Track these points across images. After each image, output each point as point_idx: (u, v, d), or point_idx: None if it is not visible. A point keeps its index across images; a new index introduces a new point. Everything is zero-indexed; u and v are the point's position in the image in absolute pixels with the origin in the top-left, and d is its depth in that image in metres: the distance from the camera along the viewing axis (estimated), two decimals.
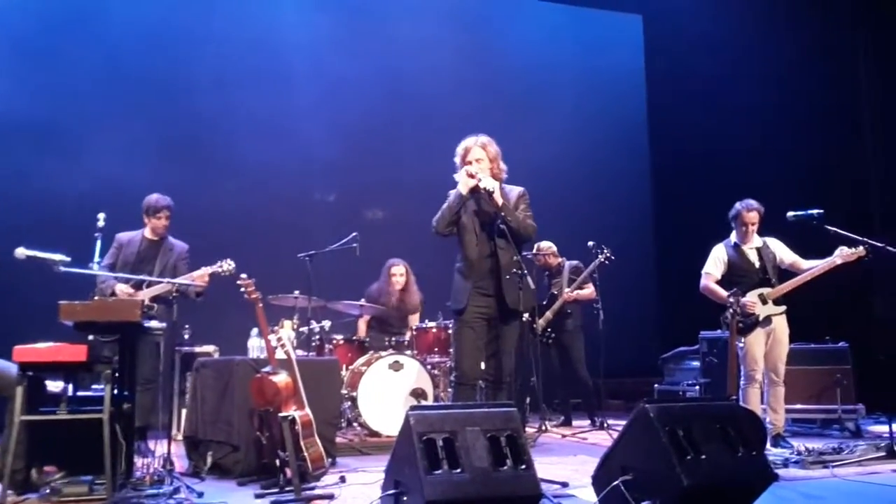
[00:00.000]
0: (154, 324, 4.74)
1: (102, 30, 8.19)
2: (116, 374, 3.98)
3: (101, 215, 4.79)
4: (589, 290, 7.19)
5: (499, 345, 4.45)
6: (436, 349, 6.66)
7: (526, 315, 4.60)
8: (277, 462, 4.19)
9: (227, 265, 5.27)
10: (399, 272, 7.17)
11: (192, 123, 8.34)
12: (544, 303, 7.23)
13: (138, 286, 5.32)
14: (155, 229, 5.60)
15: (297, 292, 6.32)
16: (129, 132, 7.96)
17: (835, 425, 6.53)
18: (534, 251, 7.28)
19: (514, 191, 4.56)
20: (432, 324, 6.74)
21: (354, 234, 6.54)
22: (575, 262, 7.36)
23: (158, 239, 5.63)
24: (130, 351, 4.31)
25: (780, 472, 4.43)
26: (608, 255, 6.91)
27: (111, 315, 4.02)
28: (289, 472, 4.03)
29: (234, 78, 8.64)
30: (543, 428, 6.72)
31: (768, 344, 5.57)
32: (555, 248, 7.46)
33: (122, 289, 5.30)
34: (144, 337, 4.80)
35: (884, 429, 5.46)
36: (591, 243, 6.96)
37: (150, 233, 5.62)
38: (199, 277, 5.17)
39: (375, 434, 6.03)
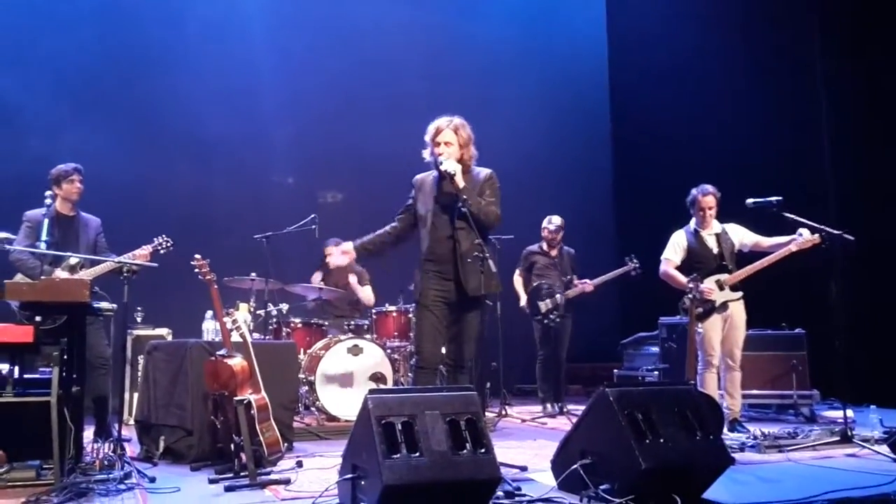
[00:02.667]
0: (104, 304, 4.58)
1: (55, 5, 7.92)
2: (65, 357, 3.86)
3: (49, 193, 4.63)
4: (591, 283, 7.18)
5: (459, 329, 4.39)
6: (396, 333, 6.61)
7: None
8: (232, 447, 4.10)
9: (166, 241, 5.12)
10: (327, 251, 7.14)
11: (146, 101, 8.15)
12: (555, 284, 7.10)
13: (71, 267, 5.05)
14: (69, 196, 5.14)
15: (253, 274, 6.21)
16: (79, 109, 7.73)
17: (790, 410, 6.64)
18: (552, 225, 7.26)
19: (482, 174, 4.45)
20: (392, 308, 6.69)
21: (313, 215, 6.45)
22: (573, 251, 7.38)
23: (71, 214, 5.21)
24: (79, 332, 4.17)
25: (737, 455, 4.49)
26: (636, 266, 7.06)
27: (59, 295, 3.89)
28: (244, 456, 3.94)
29: (192, 56, 8.45)
30: (503, 412, 6.72)
31: (725, 329, 5.62)
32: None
33: (59, 274, 4.99)
34: (91, 319, 4.62)
35: (838, 414, 5.56)
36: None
37: (63, 204, 5.14)
38: (141, 256, 4.97)
39: (334, 418, 5.97)
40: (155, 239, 5.13)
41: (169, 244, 5.12)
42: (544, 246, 7.31)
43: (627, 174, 10.37)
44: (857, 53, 7.64)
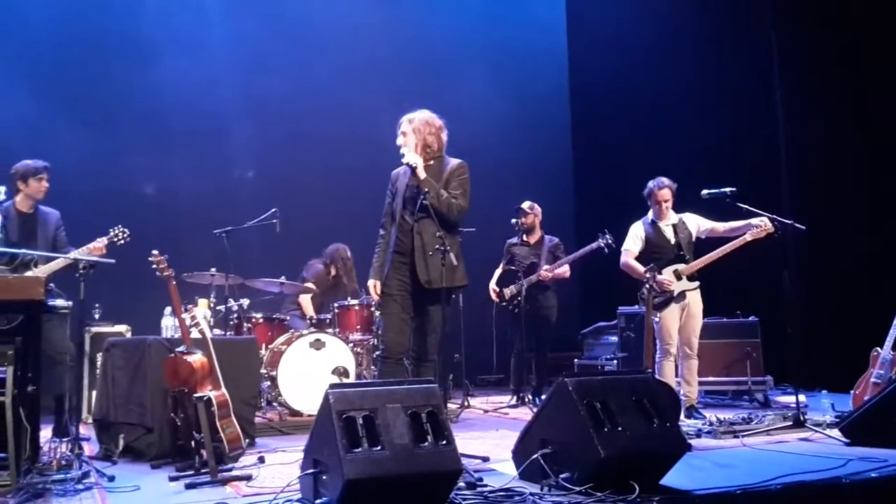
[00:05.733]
0: (60, 302, 4.51)
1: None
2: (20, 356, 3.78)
3: (2, 188, 4.53)
4: (565, 269, 6.98)
5: (422, 322, 4.41)
6: (358, 327, 6.60)
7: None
8: (193, 444, 4.07)
9: (121, 231, 5.03)
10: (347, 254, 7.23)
11: (104, 93, 8.03)
12: (520, 271, 6.93)
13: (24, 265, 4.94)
14: (34, 195, 5.07)
15: (213, 269, 6.14)
16: (37, 100, 7.57)
17: (745, 396, 6.78)
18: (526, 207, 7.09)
19: (451, 164, 4.46)
20: (354, 302, 6.67)
21: (274, 209, 6.40)
22: (556, 240, 7.20)
23: (31, 211, 5.12)
24: (35, 331, 4.10)
25: (693, 442, 4.58)
26: (609, 242, 6.52)
27: (13, 293, 3.81)
28: (204, 453, 3.92)
29: (152, 47, 8.32)
30: (466, 404, 6.76)
31: (682, 318, 5.73)
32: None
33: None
34: (49, 316, 4.54)
35: (790, 399, 5.70)
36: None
37: (24, 201, 5.06)
38: (96, 249, 4.88)
39: (296, 413, 5.94)
40: (110, 230, 5.03)
41: (125, 235, 5.03)
42: (524, 236, 7.17)
43: (588, 166, 10.45)
44: (810, 40, 7.79)
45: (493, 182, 8.74)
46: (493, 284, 7.19)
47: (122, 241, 5.02)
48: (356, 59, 9.20)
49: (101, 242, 4.95)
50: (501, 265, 7.23)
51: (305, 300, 7.05)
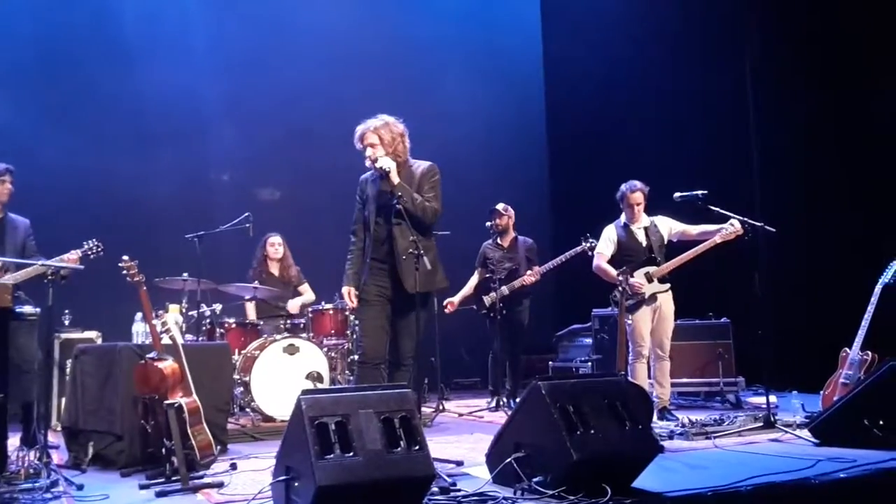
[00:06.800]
0: (27, 309, 4.44)
1: None
2: None
3: None
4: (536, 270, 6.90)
5: (398, 327, 4.41)
6: (332, 332, 6.58)
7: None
8: (164, 451, 4.02)
9: (95, 245, 4.97)
10: (277, 241, 7.07)
11: (75, 93, 7.94)
12: (500, 278, 6.89)
13: None
14: None
15: (185, 274, 6.09)
16: (10, 101, 7.47)
17: (717, 397, 6.84)
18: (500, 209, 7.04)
19: (421, 167, 4.47)
20: (329, 306, 6.65)
21: (247, 214, 6.38)
22: (530, 241, 7.17)
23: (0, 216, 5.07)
24: (1, 338, 4.03)
25: (666, 443, 4.62)
26: (592, 245, 6.38)
27: None
28: (175, 461, 3.88)
29: (129, 50, 8.26)
30: (441, 407, 6.75)
31: (654, 321, 5.77)
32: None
33: None
34: (17, 323, 4.47)
35: (762, 400, 5.75)
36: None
37: None
38: (70, 261, 4.82)
39: (270, 419, 5.91)
40: (84, 243, 4.97)
41: (99, 249, 4.97)
42: (497, 238, 7.15)
43: (563, 168, 10.49)
44: (784, 45, 7.89)
45: (469, 184, 8.76)
46: (454, 299, 7.14)
47: (95, 255, 4.95)
48: (335, 62, 9.18)
49: (74, 255, 4.88)
50: (477, 272, 7.20)
51: (249, 306, 6.94)
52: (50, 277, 4.34)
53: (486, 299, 6.95)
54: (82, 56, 8.02)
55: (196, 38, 8.65)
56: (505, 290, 6.86)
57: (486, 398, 7.26)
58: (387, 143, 4.37)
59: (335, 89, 8.93)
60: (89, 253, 4.95)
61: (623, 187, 5.94)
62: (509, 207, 7.17)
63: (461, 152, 9.07)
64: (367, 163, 4.44)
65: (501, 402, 6.89)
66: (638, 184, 5.90)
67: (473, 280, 7.19)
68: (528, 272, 6.87)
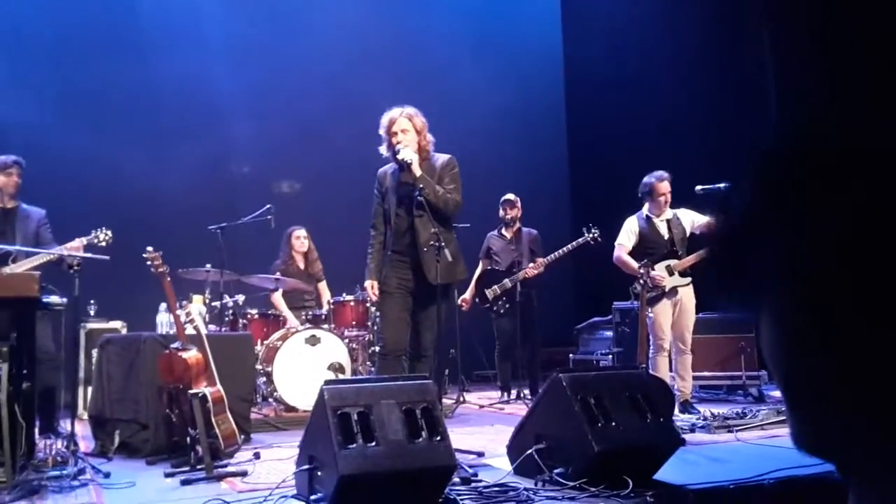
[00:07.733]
0: (54, 299, 4.50)
1: None
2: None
3: None
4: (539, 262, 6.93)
5: (419, 318, 4.43)
6: (353, 323, 6.61)
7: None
8: (188, 440, 4.08)
9: (104, 234, 5.01)
10: (302, 235, 7.08)
11: (99, 87, 8.00)
12: (502, 269, 6.94)
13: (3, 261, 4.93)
14: (5, 188, 5.06)
15: (208, 266, 6.14)
16: (31, 95, 7.55)
17: (739, 391, 6.81)
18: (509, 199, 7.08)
19: (441, 160, 4.47)
20: (350, 297, 6.68)
21: (269, 205, 6.42)
22: (535, 232, 7.20)
23: (9, 206, 5.09)
24: (29, 328, 4.09)
25: (687, 436, 4.58)
26: (595, 235, 6.58)
27: (6, 290, 3.82)
28: (200, 449, 3.93)
29: (147, 43, 8.30)
30: (461, 399, 6.77)
31: (675, 314, 5.75)
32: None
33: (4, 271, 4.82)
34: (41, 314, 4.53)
35: None
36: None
37: None
38: (73, 248, 4.86)
39: (292, 409, 5.95)
40: (91, 231, 5.02)
41: (108, 237, 5.01)
42: (503, 229, 7.21)
43: (582, 161, 10.45)
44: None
45: (489, 177, 8.74)
46: (466, 295, 7.14)
47: (105, 242, 5.00)
48: (353, 55, 9.19)
49: (79, 242, 4.92)
50: (481, 263, 7.21)
51: (277, 298, 6.95)
52: (76, 267, 4.38)
53: (489, 293, 6.96)
54: (101, 50, 8.07)
55: (213, 31, 8.68)
56: (508, 282, 6.89)
57: (499, 393, 7.24)
58: (418, 129, 4.38)
59: (352, 82, 8.95)
60: (96, 241, 4.99)
61: (649, 178, 5.87)
62: (518, 199, 7.19)
63: (480, 145, 9.06)
64: (384, 151, 4.42)
65: (521, 395, 6.89)
66: (665, 173, 5.84)
67: (478, 272, 7.23)
68: (531, 264, 6.89)
